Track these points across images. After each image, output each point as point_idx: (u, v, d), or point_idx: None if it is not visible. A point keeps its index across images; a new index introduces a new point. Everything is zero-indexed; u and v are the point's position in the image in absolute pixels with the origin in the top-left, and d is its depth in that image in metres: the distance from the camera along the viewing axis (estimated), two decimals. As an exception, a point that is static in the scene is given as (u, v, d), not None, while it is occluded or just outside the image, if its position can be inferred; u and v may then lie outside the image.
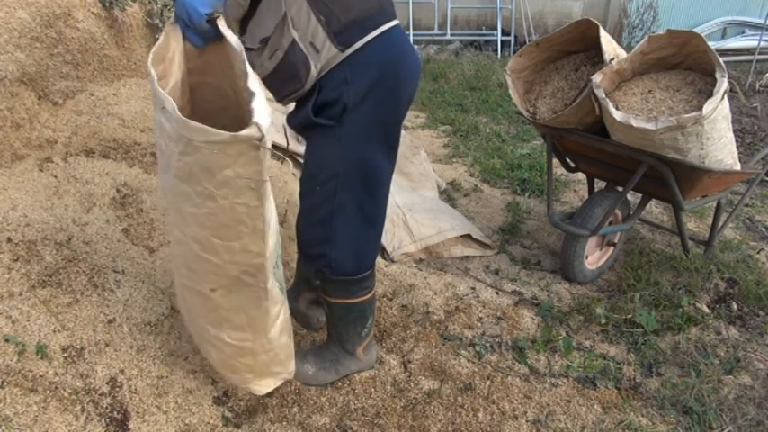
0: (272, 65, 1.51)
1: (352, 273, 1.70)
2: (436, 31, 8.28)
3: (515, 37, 8.11)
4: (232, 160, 1.16)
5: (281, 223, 2.41)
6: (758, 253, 2.84)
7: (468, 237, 2.75)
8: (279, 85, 1.55)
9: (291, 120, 1.60)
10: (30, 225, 1.75)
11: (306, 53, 1.45)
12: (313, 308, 1.98)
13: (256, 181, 1.20)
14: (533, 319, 2.30)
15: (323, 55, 1.45)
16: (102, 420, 1.45)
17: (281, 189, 2.65)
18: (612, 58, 2.18)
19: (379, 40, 1.49)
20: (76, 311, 1.61)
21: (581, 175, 3.14)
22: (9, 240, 1.67)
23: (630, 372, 2.03)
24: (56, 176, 2.03)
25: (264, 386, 1.64)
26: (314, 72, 1.46)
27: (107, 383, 1.52)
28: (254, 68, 1.50)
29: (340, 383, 1.86)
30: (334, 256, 1.67)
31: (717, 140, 2.10)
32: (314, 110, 1.51)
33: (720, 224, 2.69)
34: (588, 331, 2.25)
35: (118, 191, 2.13)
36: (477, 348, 2.08)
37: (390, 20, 1.53)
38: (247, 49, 1.46)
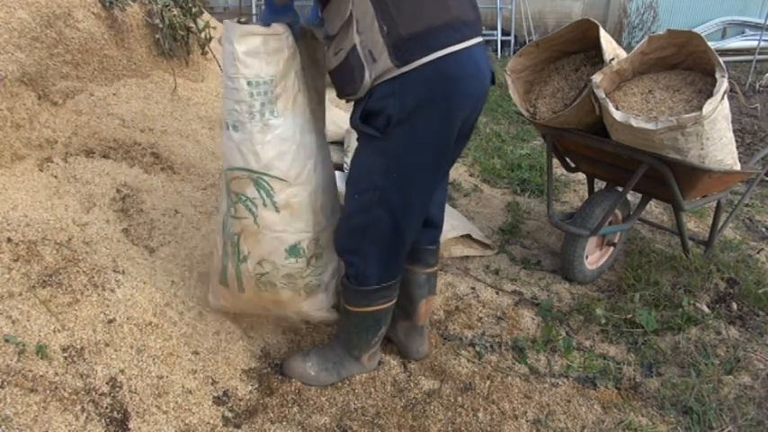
0: (336, 62, 1.49)
1: (376, 284, 1.70)
2: (436, 31, 8.26)
3: (515, 37, 8.11)
4: None
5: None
6: (758, 253, 2.84)
7: (468, 237, 2.75)
8: (339, 83, 1.53)
9: (350, 119, 1.57)
10: (30, 225, 1.75)
11: (363, 60, 1.41)
12: (411, 336, 1.98)
13: None
14: (533, 319, 2.30)
15: (379, 65, 1.40)
16: (102, 420, 1.45)
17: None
18: (612, 58, 2.18)
19: (441, 61, 1.40)
20: (76, 311, 1.61)
21: (581, 175, 3.14)
22: (9, 240, 1.67)
23: (630, 372, 2.03)
24: (56, 176, 2.02)
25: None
26: (368, 80, 1.42)
27: (107, 383, 1.52)
28: (327, 59, 1.54)
29: (340, 383, 1.86)
30: (362, 270, 1.66)
31: (717, 140, 2.10)
32: (361, 116, 1.48)
33: (720, 224, 2.69)
34: (588, 331, 2.25)
35: (118, 191, 2.13)
36: (477, 348, 2.08)
37: (465, 40, 1.44)
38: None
